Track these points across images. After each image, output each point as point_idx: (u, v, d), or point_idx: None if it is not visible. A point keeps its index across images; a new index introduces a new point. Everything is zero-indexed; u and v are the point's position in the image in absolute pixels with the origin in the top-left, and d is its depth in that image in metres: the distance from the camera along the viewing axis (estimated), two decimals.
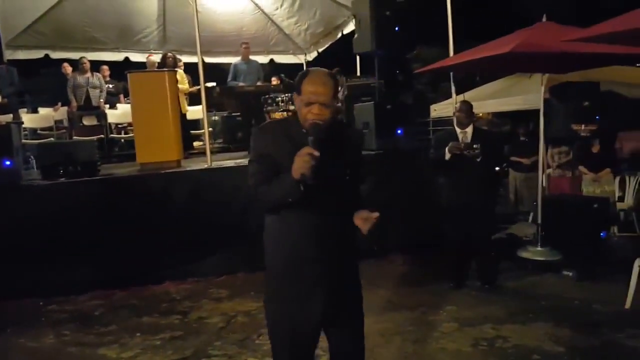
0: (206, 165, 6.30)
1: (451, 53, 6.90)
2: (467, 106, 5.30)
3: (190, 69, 9.07)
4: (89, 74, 8.62)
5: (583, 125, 5.89)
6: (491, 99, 8.10)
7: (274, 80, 9.18)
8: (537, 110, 6.23)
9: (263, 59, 10.62)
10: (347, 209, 2.35)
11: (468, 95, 8.16)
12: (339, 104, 2.60)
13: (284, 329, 2.44)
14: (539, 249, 5.91)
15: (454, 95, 7.46)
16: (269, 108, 8.45)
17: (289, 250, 2.39)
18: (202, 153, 8.07)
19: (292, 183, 2.18)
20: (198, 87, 8.13)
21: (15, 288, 5.31)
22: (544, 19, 5.64)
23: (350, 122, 6.96)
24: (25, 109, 9.34)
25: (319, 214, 2.33)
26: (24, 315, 5.07)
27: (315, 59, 11.33)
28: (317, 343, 2.50)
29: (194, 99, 9.08)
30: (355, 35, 6.73)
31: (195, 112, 9.11)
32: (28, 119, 8.74)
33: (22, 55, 9.43)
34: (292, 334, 2.42)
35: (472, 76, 10.49)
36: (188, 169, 6.36)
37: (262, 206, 2.41)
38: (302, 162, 2.14)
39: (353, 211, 2.33)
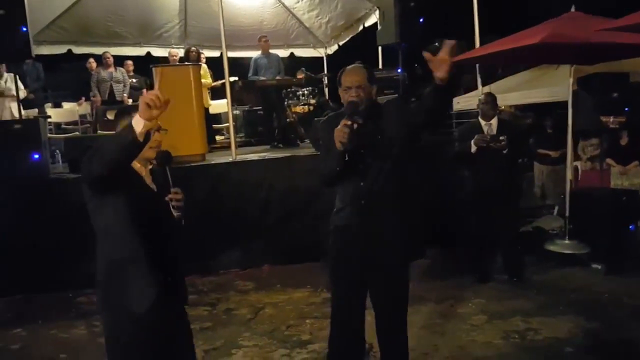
0: (231, 159, 6.32)
1: (477, 45, 6.84)
2: (491, 98, 5.27)
3: (210, 63, 9.10)
4: (112, 69, 8.68)
5: (612, 117, 5.79)
6: (515, 92, 7.99)
7: (299, 74, 9.15)
8: (562, 103, 6.15)
9: (283, 53, 10.59)
10: (389, 174, 2.72)
11: (491, 88, 8.08)
12: (374, 88, 2.79)
13: (337, 279, 2.91)
14: (566, 242, 5.83)
15: (479, 87, 7.39)
16: (291, 102, 8.46)
17: (339, 214, 2.84)
18: (225, 147, 8.10)
19: (338, 154, 2.59)
20: (221, 81, 8.18)
21: (44, 281, 5.38)
22: (572, 9, 5.56)
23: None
24: (49, 104, 9.45)
25: (362, 180, 2.72)
26: (54, 308, 5.15)
27: (335, 52, 11.26)
28: (364, 299, 2.86)
29: (215, 93, 9.12)
30: (379, 27, 6.69)
31: (217, 106, 9.15)
32: (53, 114, 8.83)
33: (45, 50, 9.47)
34: (344, 285, 2.86)
35: (494, 69, 10.38)
36: (213, 162, 6.38)
37: (323, 181, 2.88)
38: (339, 133, 2.54)
39: (397, 176, 2.74)
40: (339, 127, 2.55)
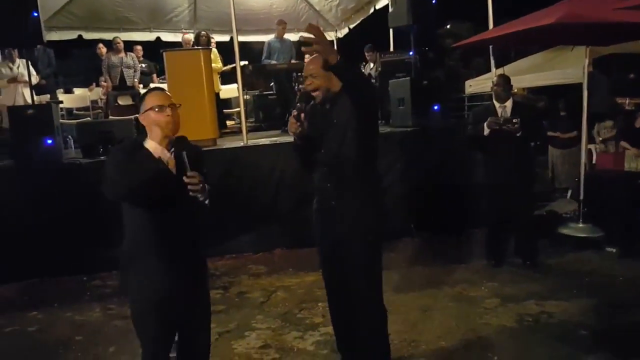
0: (242, 143, 6.31)
1: (490, 26, 6.73)
2: (504, 80, 5.19)
3: (220, 48, 9.06)
4: (122, 54, 8.64)
5: (627, 99, 5.70)
6: (529, 74, 7.90)
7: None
8: (575, 85, 6.05)
9: (293, 37, 10.50)
10: (348, 158, 2.78)
11: (505, 70, 7.99)
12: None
13: (320, 260, 3.10)
14: (580, 225, 5.79)
15: (493, 69, 7.28)
16: (301, 86, 8.42)
17: (314, 199, 3.01)
18: (235, 132, 8.09)
19: (293, 142, 2.82)
20: (231, 65, 8.14)
21: (59, 265, 5.43)
22: None
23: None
24: (60, 90, 9.48)
25: (325, 165, 2.84)
26: (69, 291, 5.20)
27: (346, 35, 11.15)
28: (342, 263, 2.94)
29: (225, 78, 9.09)
30: (391, 9, 6.61)
31: (227, 91, 9.12)
32: (65, 99, 8.86)
33: (55, 36, 9.48)
34: (324, 265, 3.08)
35: (507, 51, 10.27)
36: (224, 147, 6.37)
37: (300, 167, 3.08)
38: (290, 123, 2.68)
39: (356, 160, 2.78)
40: (290, 117, 2.65)
